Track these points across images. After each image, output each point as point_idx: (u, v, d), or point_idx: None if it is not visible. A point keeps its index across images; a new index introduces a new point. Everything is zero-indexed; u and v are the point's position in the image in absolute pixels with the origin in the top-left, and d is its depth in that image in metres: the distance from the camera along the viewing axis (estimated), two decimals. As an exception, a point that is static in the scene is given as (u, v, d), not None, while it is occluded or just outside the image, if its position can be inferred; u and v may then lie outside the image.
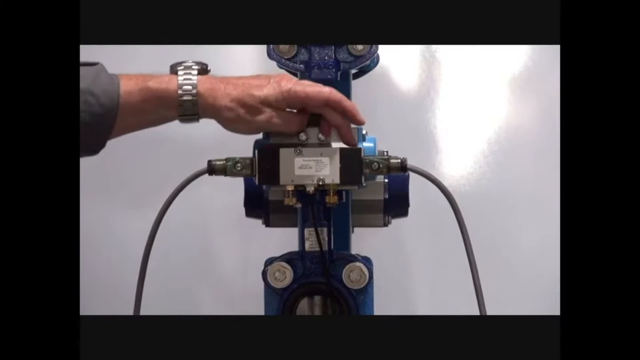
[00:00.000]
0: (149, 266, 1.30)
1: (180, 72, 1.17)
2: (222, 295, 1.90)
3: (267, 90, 1.17)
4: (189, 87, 1.16)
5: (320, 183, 1.20)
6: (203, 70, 1.18)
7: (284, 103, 1.18)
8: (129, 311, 1.28)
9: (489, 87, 1.87)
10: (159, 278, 1.57)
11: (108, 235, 1.88)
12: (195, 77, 1.16)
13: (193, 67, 1.17)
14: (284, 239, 1.43)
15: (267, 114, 1.17)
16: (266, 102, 1.17)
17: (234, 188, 1.40)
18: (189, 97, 1.16)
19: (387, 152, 1.30)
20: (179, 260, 1.86)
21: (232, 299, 1.88)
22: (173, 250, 1.82)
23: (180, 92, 1.15)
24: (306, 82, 1.21)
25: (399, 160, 1.22)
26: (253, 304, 1.39)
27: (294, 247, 1.33)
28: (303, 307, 1.29)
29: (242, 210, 1.39)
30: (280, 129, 1.19)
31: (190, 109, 1.16)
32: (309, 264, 1.29)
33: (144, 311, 1.29)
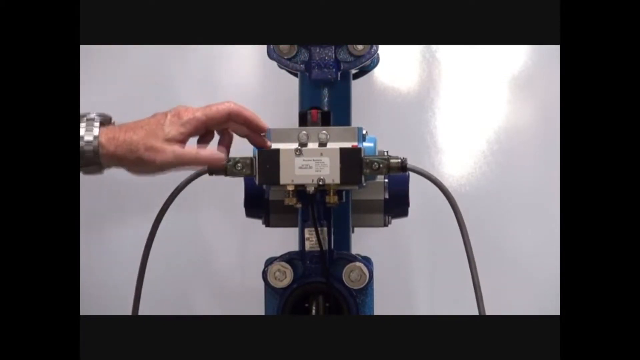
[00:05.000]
0: (148, 267, 1.30)
1: (82, 125, 1.13)
2: (222, 295, 1.90)
3: (168, 127, 1.14)
4: (90, 139, 1.12)
5: (320, 183, 1.20)
6: (106, 121, 1.15)
7: (187, 134, 1.15)
8: (127, 311, 1.28)
9: (488, 87, 1.87)
10: (158, 278, 1.57)
11: (107, 235, 1.87)
12: (97, 129, 1.13)
13: (95, 119, 1.14)
14: (284, 239, 1.43)
15: (171, 151, 1.13)
16: (170, 139, 1.14)
17: (233, 188, 1.40)
18: (90, 148, 1.12)
19: (387, 152, 1.30)
20: (178, 260, 1.86)
21: (232, 300, 1.88)
22: (172, 251, 1.82)
23: (82, 143, 1.12)
24: (202, 107, 1.17)
25: (399, 160, 1.22)
26: (253, 304, 1.39)
27: (294, 247, 1.33)
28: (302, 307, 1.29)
29: (241, 210, 1.39)
30: (190, 163, 1.16)
31: (92, 159, 1.12)
32: (309, 263, 1.29)
33: (143, 312, 1.29)
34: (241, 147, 1.28)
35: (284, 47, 1.30)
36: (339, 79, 1.31)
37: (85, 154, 1.12)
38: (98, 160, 1.13)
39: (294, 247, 1.33)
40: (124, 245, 1.83)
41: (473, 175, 1.88)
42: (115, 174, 1.84)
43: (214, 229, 1.89)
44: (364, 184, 1.23)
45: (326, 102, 1.32)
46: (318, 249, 1.27)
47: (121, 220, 1.87)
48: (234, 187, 1.39)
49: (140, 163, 1.13)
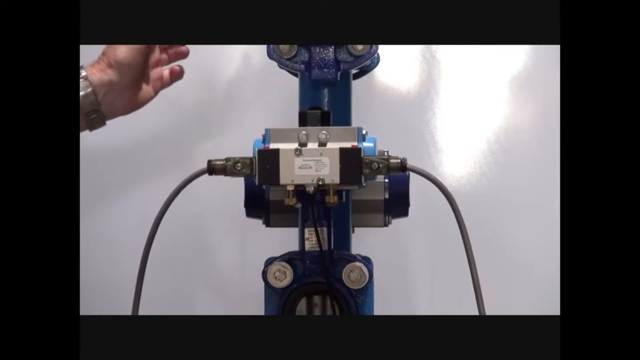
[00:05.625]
0: (148, 266, 1.30)
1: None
2: (222, 295, 1.90)
3: None
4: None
5: (320, 183, 1.20)
6: None
7: None
8: (127, 311, 1.28)
9: (488, 87, 1.87)
10: (158, 278, 1.57)
11: (107, 235, 1.87)
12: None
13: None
14: (284, 239, 1.43)
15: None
16: None
17: (233, 188, 1.40)
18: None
19: (387, 152, 1.30)
20: (177, 260, 1.86)
21: (232, 299, 1.88)
22: (172, 251, 1.82)
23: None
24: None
25: (399, 160, 1.22)
26: (252, 304, 1.39)
27: (294, 247, 1.32)
28: (301, 307, 1.29)
29: (241, 210, 1.39)
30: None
31: (88, 96, 1.30)
32: (309, 263, 1.29)
33: (143, 312, 1.29)
34: (241, 147, 1.28)
35: (283, 47, 1.30)
36: (339, 79, 1.31)
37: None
38: (95, 99, 1.30)
39: (294, 247, 1.32)
40: (124, 243, 1.82)
41: (473, 175, 1.87)
42: (114, 172, 1.84)
43: (214, 229, 1.89)
44: (364, 184, 1.23)
45: (326, 102, 1.32)
46: (318, 249, 1.27)
47: (120, 219, 1.87)
48: (234, 187, 1.39)
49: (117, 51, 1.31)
